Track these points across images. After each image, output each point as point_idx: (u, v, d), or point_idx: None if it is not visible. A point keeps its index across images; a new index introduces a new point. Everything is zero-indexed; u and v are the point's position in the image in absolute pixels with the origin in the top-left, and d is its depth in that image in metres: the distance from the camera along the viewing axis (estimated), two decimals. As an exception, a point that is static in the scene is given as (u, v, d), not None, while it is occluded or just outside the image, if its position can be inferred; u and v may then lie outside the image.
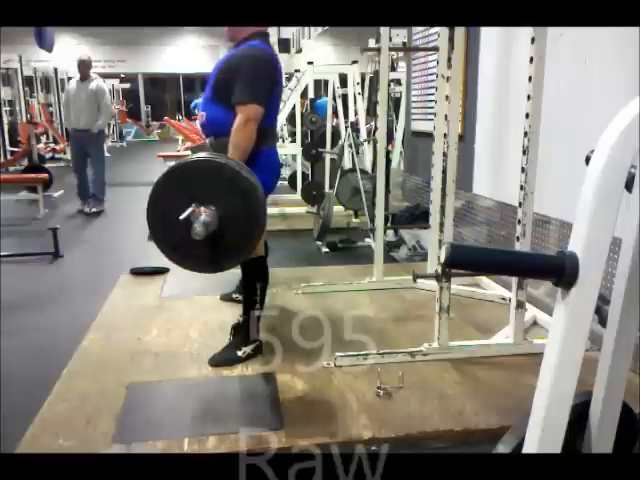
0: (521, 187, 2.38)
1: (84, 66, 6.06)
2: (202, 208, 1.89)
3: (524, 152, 2.33)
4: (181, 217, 1.86)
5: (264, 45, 2.40)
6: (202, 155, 2.06)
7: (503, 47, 3.48)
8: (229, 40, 2.49)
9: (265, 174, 2.29)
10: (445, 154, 2.49)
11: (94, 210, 6.22)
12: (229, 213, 1.93)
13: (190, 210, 1.87)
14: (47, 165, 8.51)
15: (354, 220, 5.29)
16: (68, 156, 11.11)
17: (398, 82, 7.86)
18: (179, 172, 1.97)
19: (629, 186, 0.93)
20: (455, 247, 0.93)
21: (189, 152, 7.42)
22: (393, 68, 7.72)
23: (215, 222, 1.90)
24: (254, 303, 2.42)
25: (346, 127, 5.63)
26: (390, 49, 3.25)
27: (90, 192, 6.28)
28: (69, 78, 13.35)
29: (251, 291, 2.45)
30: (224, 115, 2.32)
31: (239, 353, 2.41)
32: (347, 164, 5.40)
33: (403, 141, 7.07)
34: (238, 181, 1.95)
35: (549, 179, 2.78)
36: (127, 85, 19.41)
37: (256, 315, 2.42)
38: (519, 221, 2.41)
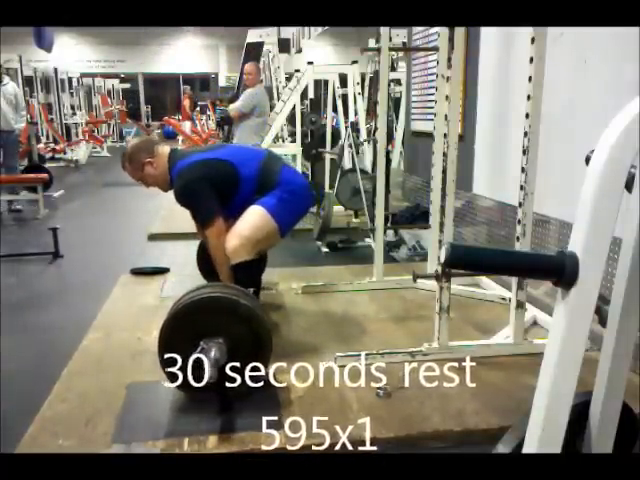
0: (521, 187, 2.38)
1: None
2: (210, 344, 1.95)
3: (524, 152, 2.33)
4: (191, 358, 1.93)
5: (185, 160, 2.62)
6: (199, 292, 2.10)
7: (503, 47, 3.48)
8: None
9: (280, 216, 2.64)
10: (445, 154, 2.49)
11: None
12: (237, 342, 2.00)
13: (199, 349, 1.94)
14: (47, 165, 8.51)
15: (354, 220, 5.29)
16: (68, 156, 11.15)
17: (398, 82, 7.86)
18: (182, 314, 2.03)
19: (629, 186, 0.93)
20: (455, 247, 0.93)
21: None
22: (393, 68, 7.72)
23: (224, 355, 1.95)
24: None
25: (346, 127, 5.63)
26: (390, 49, 3.24)
27: None
28: (69, 78, 13.40)
29: None
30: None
31: None
32: (347, 164, 5.40)
33: (403, 141, 7.07)
34: (239, 310, 2.02)
35: (549, 179, 2.78)
36: (127, 85, 19.42)
37: None
38: (519, 221, 2.41)
